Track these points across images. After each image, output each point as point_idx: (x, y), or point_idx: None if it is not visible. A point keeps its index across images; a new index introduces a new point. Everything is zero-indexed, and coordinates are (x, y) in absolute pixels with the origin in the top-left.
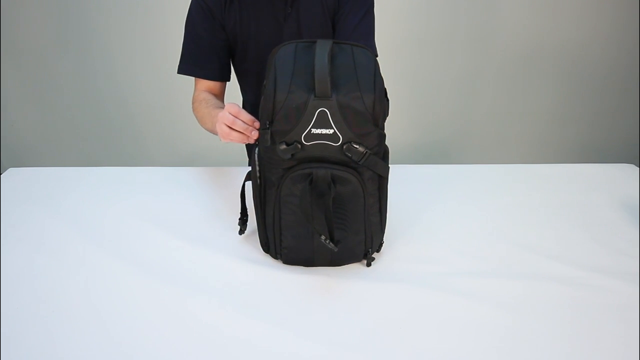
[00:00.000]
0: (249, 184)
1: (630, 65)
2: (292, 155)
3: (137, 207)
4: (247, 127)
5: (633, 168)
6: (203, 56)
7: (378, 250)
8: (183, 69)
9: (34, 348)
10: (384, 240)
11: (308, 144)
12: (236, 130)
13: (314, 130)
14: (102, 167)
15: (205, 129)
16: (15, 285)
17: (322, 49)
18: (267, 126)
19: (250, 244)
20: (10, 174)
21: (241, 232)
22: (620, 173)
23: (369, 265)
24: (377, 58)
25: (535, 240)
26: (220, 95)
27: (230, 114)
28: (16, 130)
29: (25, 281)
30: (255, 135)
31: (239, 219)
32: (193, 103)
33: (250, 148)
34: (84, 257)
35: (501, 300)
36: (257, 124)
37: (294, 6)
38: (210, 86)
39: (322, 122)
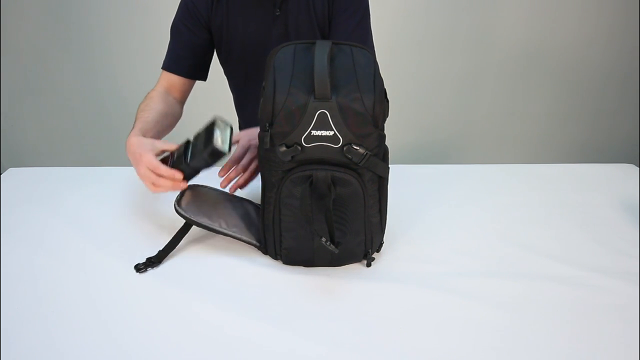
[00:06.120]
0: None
1: (630, 65)
2: (292, 157)
3: (137, 207)
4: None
5: (633, 168)
6: (178, 51)
7: (378, 251)
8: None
9: (34, 348)
10: (384, 240)
11: (308, 146)
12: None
13: (314, 132)
14: (102, 167)
15: None
16: (15, 285)
17: (322, 50)
18: (267, 128)
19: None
20: (10, 174)
21: (145, 267)
22: (620, 173)
23: (369, 265)
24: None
25: (535, 240)
26: (180, 95)
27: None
28: (16, 130)
29: (25, 281)
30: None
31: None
32: (145, 98)
33: None
34: (84, 257)
35: (501, 300)
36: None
37: (282, 8)
38: (174, 82)
39: (322, 124)
